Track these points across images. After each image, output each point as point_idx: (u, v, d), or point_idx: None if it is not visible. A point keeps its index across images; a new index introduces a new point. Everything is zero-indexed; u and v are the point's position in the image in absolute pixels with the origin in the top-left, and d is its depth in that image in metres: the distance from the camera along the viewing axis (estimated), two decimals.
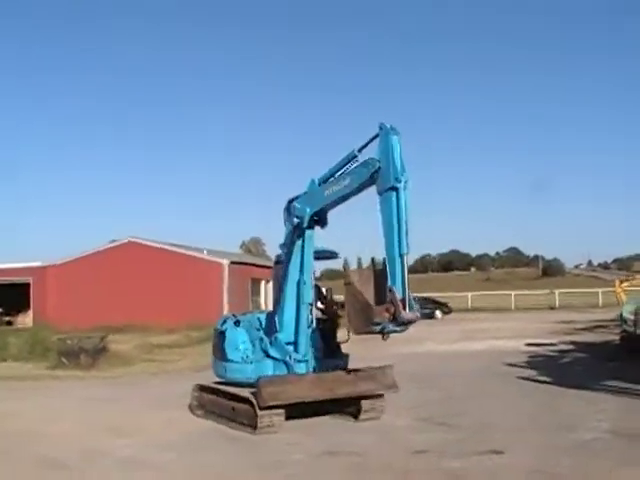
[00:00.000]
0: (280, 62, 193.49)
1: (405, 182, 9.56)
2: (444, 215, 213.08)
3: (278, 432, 10.65)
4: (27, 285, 41.76)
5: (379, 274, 10.11)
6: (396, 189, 9.56)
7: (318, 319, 12.10)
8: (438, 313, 47.38)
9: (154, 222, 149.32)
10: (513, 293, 59.44)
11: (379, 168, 9.79)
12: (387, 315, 9.44)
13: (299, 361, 11.43)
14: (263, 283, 43.12)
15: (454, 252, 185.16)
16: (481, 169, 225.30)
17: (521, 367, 18.14)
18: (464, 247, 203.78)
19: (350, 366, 11.76)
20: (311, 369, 11.47)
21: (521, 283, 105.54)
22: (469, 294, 59.53)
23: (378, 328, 9.68)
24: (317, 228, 11.54)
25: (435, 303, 49.59)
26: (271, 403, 10.53)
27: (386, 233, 9.60)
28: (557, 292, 57.82)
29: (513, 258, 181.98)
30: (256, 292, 43.02)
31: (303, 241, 11.42)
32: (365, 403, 11.45)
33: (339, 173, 10.70)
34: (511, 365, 18.55)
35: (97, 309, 37.78)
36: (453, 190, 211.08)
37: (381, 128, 9.93)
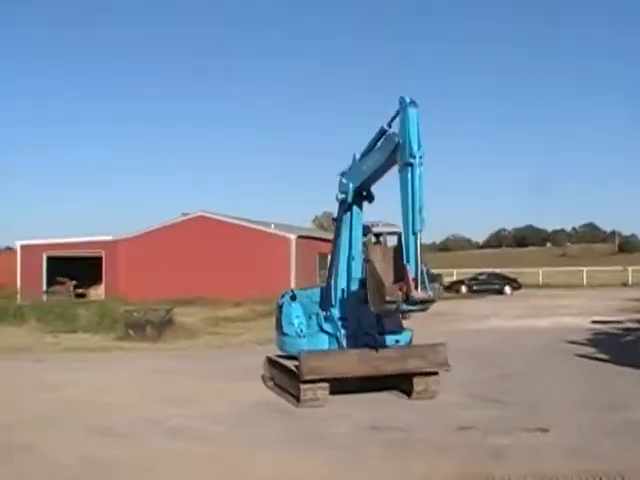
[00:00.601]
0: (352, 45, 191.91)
1: (420, 158, 9.36)
2: (520, 189, 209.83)
3: (325, 406, 10.72)
4: (99, 258, 42.88)
5: (398, 251, 10.05)
6: (411, 165, 9.39)
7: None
8: (507, 289, 46.91)
9: (228, 196, 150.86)
10: (585, 269, 58.28)
11: (398, 143, 9.67)
12: (400, 294, 9.39)
13: (348, 336, 11.43)
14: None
15: (529, 227, 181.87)
16: (560, 144, 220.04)
17: (582, 344, 17.82)
18: (540, 222, 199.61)
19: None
20: (362, 344, 11.33)
21: (596, 259, 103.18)
22: (540, 270, 58.57)
23: (393, 307, 9.64)
24: (365, 203, 11.52)
25: (504, 279, 49.12)
26: (310, 377, 10.58)
27: (402, 210, 9.51)
28: (630, 269, 56.35)
29: (589, 234, 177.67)
30: (324, 266, 42.96)
31: (351, 216, 11.43)
32: (417, 381, 11.22)
33: (376, 148, 10.64)
34: (573, 342, 18.23)
35: (167, 282, 38.61)
36: (529, 164, 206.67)
37: (400, 102, 9.75)
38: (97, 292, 43.36)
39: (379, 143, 10.47)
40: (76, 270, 42.56)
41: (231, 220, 42.03)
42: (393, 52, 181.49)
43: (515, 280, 48.82)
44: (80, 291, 43.74)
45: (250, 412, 10.77)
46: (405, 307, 9.57)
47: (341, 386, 11.03)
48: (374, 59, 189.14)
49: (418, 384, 11.21)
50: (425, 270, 9.44)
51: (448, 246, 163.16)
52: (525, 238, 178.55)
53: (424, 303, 9.47)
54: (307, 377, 10.58)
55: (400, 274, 9.64)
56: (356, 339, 11.38)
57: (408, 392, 11.35)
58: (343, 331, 11.43)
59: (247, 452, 8.43)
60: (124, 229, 46.37)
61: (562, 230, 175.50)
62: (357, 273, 11.48)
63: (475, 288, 47.38)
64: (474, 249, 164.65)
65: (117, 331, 22.67)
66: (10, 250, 46.87)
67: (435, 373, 11.21)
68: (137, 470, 7.73)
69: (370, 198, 11.45)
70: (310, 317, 12.04)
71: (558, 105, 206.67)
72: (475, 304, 37.83)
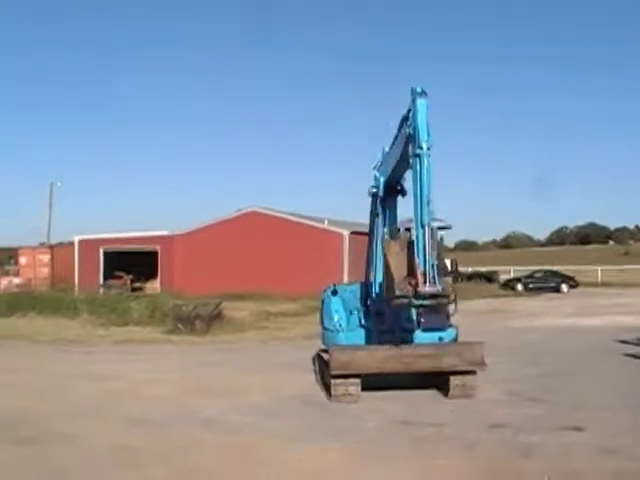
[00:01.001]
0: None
1: (428, 149, 9.23)
2: (582, 186, 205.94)
3: (359, 401, 10.73)
4: (155, 253, 43.49)
5: (411, 245, 9.97)
6: (418, 156, 9.27)
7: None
8: (564, 287, 46.12)
9: (283, 192, 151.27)
10: None
11: (409, 134, 9.58)
12: (410, 288, 9.37)
13: (385, 332, 11.36)
14: None
15: (592, 225, 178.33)
16: (623, 137, 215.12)
17: (634, 344, 17.40)
18: (602, 220, 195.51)
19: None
20: (399, 340, 11.23)
21: None
22: (599, 268, 57.35)
23: (405, 301, 9.60)
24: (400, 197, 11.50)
25: (561, 277, 48.31)
26: (338, 372, 10.63)
27: (414, 203, 9.50)
28: None
29: None
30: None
31: (384, 210, 11.37)
32: (454, 379, 10.92)
33: (397, 139, 10.60)
34: (623, 342, 17.82)
35: (222, 277, 38.91)
36: (591, 160, 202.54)
37: (411, 92, 9.62)
38: (153, 286, 43.98)
39: (398, 134, 10.43)
40: (133, 264, 43.22)
41: (284, 216, 42.20)
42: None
43: (572, 278, 47.93)
44: (137, 285, 44.42)
45: (285, 405, 10.87)
46: (415, 302, 9.50)
47: (378, 382, 11.01)
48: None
49: (455, 383, 10.93)
50: (435, 264, 9.34)
51: (509, 243, 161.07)
52: (588, 236, 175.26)
53: (435, 297, 9.40)
54: (335, 372, 10.61)
55: (412, 268, 9.62)
56: (394, 334, 11.28)
57: (445, 390, 11.16)
58: (380, 326, 11.39)
59: (273, 443, 8.51)
60: (180, 224, 46.67)
61: (625, 228, 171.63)
62: None
63: (531, 286, 46.63)
64: (536, 247, 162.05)
65: (167, 324, 22.96)
66: (69, 245, 47.82)
67: (472, 372, 10.92)
68: (163, 459, 7.86)
69: (402, 192, 11.40)
70: (351, 312, 12.05)
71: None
72: (529, 302, 37.25)
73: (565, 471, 7.13)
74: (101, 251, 43.95)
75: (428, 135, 9.31)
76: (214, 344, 19.81)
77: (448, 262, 64.81)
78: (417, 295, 9.31)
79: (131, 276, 44.08)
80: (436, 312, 11.66)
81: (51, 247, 46.37)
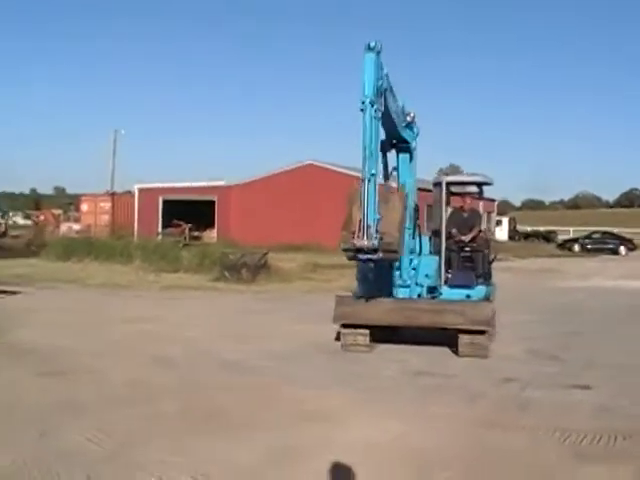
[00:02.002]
0: None
1: (371, 103, 8.93)
2: None
3: (372, 352, 10.98)
4: (213, 203, 44.23)
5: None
6: (362, 110, 9.02)
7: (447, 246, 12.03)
8: (622, 249, 45.47)
9: (341, 145, 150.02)
10: None
11: None
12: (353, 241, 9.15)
13: (400, 286, 11.41)
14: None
15: None
16: None
17: None
18: None
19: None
20: (415, 295, 11.43)
21: None
22: None
23: (350, 254, 9.37)
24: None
25: (619, 239, 47.61)
26: (339, 322, 10.95)
27: None
28: None
29: None
30: (432, 217, 42.77)
31: (383, 158, 11.42)
32: (463, 337, 10.68)
33: None
34: None
35: (276, 228, 39.49)
36: None
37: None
38: (210, 235, 44.86)
39: None
40: (191, 214, 44.09)
41: (340, 169, 42.32)
42: None
43: (631, 241, 47.21)
44: (195, 234, 45.38)
45: (311, 353, 11.11)
46: (359, 256, 9.30)
47: (400, 337, 11.29)
48: None
49: (463, 341, 10.71)
50: (378, 219, 9.04)
51: (577, 204, 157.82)
52: None
53: (365, 251, 9.06)
54: (336, 321, 10.95)
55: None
56: (410, 289, 11.42)
57: (456, 348, 10.96)
58: (397, 280, 11.37)
59: (284, 386, 8.82)
60: (238, 175, 47.27)
61: None
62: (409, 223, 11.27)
63: (589, 247, 46.14)
64: (604, 208, 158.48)
65: (215, 272, 23.52)
66: (129, 193, 48.96)
67: (481, 332, 10.62)
68: (175, 395, 8.26)
69: (395, 147, 11.44)
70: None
71: None
72: (584, 263, 36.88)
73: (553, 426, 7.24)
74: (160, 200, 44.95)
75: (373, 90, 9.00)
76: (257, 293, 20.25)
77: (505, 220, 64.75)
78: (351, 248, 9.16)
79: (190, 225, 44.97)
80: (463, 268, 12.04)
81: (112, 195, 47.55)
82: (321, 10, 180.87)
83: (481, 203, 13.02)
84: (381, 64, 9.28)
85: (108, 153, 56.84)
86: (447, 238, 12.14)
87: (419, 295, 11.47)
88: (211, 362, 10.21)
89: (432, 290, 11.68)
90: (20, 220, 54.73)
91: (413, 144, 11.47)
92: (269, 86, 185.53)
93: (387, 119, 10.04)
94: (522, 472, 5.99)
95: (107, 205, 44.83)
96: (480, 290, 11.75)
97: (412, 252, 11.55)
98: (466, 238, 12.22)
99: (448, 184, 12.46)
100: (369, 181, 8.97)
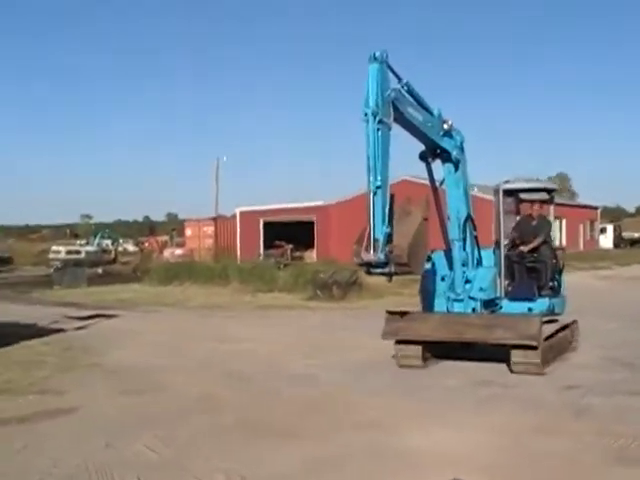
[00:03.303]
0: None
1: (374, 116, 8.76)
2: None
3: (427, 367, 10.94)
4: (312, 223, 44.99)
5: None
6: (366, 121, 8.87)
7: (508, 256, 11.76)
8: None
9: None
10: None
11: None
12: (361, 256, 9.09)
13: (455, 300, 11.18)
14: None
15: None
16: None
17: None
18: None
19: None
20: (469, 309, 11.10)
21: None
22: None
23: (363, 268, 9.42)
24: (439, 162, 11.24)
25: None
26: (388, 338, 10.95)
27: None
28: None
29: None
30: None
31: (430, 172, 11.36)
32: (515, 353, 10.21)
33: None
34: None
35: None
36: None
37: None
38: (311, 255, 45.60)
39: None
40: (291, 234, 44.98)
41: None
42: None
43: None
44: (296, 254, 46.22)
45: (378, 365, 11.33)
46: (371, 270, 9.26)
47: (464, 351, 11.23)
48: None
49: (515, 356, 10.25)
50: (387, 232, 8.88)
51: None
52: None
53: (378, 267, 9.02)
54: (384, 337, 10.99)
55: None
56: (465, 302, 11.16)
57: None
58: (450, 294, 11.24)
59: (344, 396, 9.20)
60: (336, 194, 47.76)
61: None
62: (451, 233, 11.25)
63: None
64: None
65: (308, 291, 24.08)
66: (232, 217, 50.38)
67: (533, 347, 10.07)
68: (238, 407, 8.76)
69: (439, 156, 11.08)
70: (443, 278, 11.65)
71: None
72: None
73: (604, 431, 7.29)
74: (261, 222, 46.04)
75: (376, 102, 8.85)
76: (345, 310, 20.65)
77: (610, 227, 62.85)
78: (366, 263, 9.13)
79: (291, 245, 45.84)
80: (525, 280, 11.77)
81: (215, 219, 49.06)
82: None
83: (551, 210, 12.43)
84: (386, 74, 9.14)
85: (213, 179, 58.82)
86: (511, 248, 11.94)
87: (473, 309, 11.14)
88: (282, 376, 10.66)
89: (491, 304, 11.42)
90: (130, 247, 57.15)
91: (454, 153, 10.99)
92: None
93: (411, 129, 9.99)
94: (557, 473, 6.12)
95: (210, 229, 46.32)
96: (542, 303, 11.42)
97: (465, 264, 11.24)
98: (526, 248, 11.87)
99: (510, 191, 12.24)
100: (375, 194, 8.85)
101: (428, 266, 11.64)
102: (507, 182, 12.18)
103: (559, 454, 6.65)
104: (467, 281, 11.30)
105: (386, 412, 8.36)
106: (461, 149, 11.19)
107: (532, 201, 12.43)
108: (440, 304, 11.39)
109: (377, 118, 8.78)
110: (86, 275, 32.33)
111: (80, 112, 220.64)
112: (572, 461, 6.43)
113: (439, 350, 11.20)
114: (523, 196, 12.51)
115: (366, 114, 8.83)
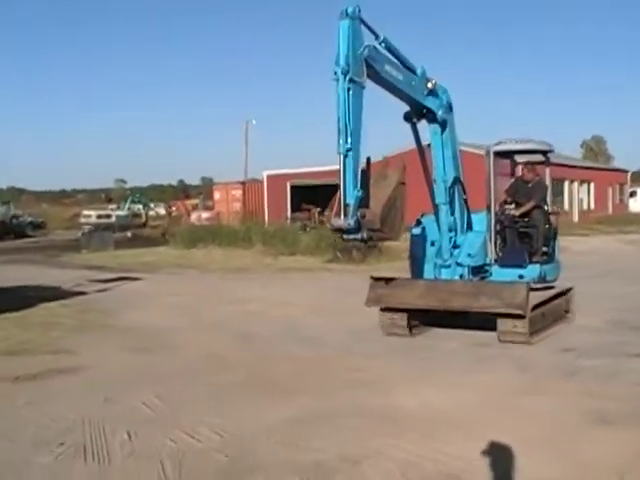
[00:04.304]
0: None
1: (343, 74, 8.31)
2: None
3: (415, 336, 10.75)
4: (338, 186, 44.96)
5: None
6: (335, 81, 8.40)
7: (500, 221, 11.35)
8: None
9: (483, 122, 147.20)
10: None
11: None
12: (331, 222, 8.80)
13: (442, 266, 10.84)
14: (567, 183, 42.29)
15: None
16: None
17: None
18: None
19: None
20: (457, 276, 10.76)
21: None
22: None
23: (338, 235, 9.02)
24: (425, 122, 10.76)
25: None
26: (371, 305, 10.61)
27: None
28: None
29: None
30: (558, 192, 42.06)
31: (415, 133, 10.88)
32: (502, 322, 9.87)
33: None
34: None
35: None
36: None
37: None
38: None
39: None
40: (319, 198, 44.99)
41: (466, 148, 41.99)
42: None
43: None
44: (323, 218, 46.28)
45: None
46: (344, 236, 8.80)
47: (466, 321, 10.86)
48: None
49: (502, 325, 9.92)
50: (358, 196, 8.38)
51: None
52: None
53: (350, 233, 8.57)
54: (368, 304, 10.63)
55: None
56: (452, 269, 10.83)
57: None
58: (437, 260, 10.95)
59: (347, 358, 9.49)
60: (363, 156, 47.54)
61: None
62: (437, 197, 10.81)
63: None
64: None
65: (329, 254, 24.30)
66: (257, 181, 50.63)
67: (520, 316, 9.68)
68: (243, 366, 9.10)
69: (424, 117, 10.62)
70: (432, 243, 11.25)
71: None
72: None
73: (589, 392, 7.49)
74: (288, 185, 46.13)
75: (346, 60, 8.37)
76: (363, 272, 20.65)
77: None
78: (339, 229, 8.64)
79: (318, 209, 45.89)
80: (516, 245, 11.41)
81: (243, 183, 49.26)
82: None
83: (547, 172, 11.92)
84: (358, 31, 8.63)
85: (242, 143, 59.11)
86: (503, 212, 11.53)
87: (461, 276, 10.78)
88: (290, 337, 10.95)
89: (480, 270, 11.09)
90: (162, 211, 57.68)
91: (440, 112, 10.42)
92: None
93: (391, 88, 9.58)
94: (532, 430, 6.32)
95: (238, 193, 46.49)
96: (533, 270, 11.00)
97: (452, 229, 10.86)
98: (517, 212, 11.48)
99: (502, 153, 11.60)
100: (345, 156, 8.36)
101: (417, 230, 11.41)
102: (498, 144, 11.53)
103: (538, 413, 6.86)
104: (456, 246, 10.98)
105: (383, 372, 8.65)
106: (449, 109, 10.71)
107: (529, 163, 11.95)
108: (429, 270, 11.06)
109: (347, 77, 8.32)
110: (113, 239, 32.79)
111: (115, 78, 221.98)
112: (549, 420, 6.63)
113: (427, 318, 10.94)
114: (518, 158, 12.07)
115: (335, 73, 8.37)
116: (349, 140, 8.31)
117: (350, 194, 8.36)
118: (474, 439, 5.99)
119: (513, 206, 11.62)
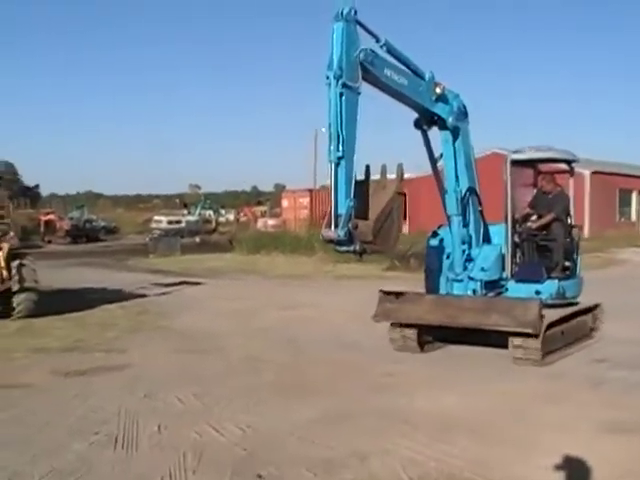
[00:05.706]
0: None
1: (335, 78, 8.01)
2: None
3: (425, 352, 10.54)
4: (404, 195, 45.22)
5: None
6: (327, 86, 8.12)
7: (518, 233, 10.85)
8: None
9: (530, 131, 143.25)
10: None
11: None
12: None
13: (454, 280, 10.48)
14: (634, 194, 41.36)
15: None
16: None
17: None
18: None
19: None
20: (469, 292, 10.35)
21: None
22: None
23: (332, 246, 8.55)
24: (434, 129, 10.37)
25: None
26: (379, 320, 10.36)
27: None
28: None
29: None
30: (626, 203, 41.31)
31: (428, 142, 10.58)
32: (513, 340, 9.44)
33: None
34: None
35: None
36: None
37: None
38: (404, 227, 45.91)
39: None
40: None
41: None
42: None
43: None
44: None
45: None
46: (337, 248, 8.42)
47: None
48: None
49: (513, 343, 9.49)
50: (351, 206, 8.02)
51: None
52: None
53: (342, 244, 8.21)
54: (375, 319, 10.38)
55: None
56: (465, 283, 10.44)
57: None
58: (449, 274, 10.59)
59: (380, 363, 9.81)
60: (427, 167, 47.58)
61: None
62: (448, 208, 10.48)
63: None
64: None
65: (387, 262, 24.57)
66: (325, 188, 51.10)
67: (533, 335, 9.24)
68: (280, 369, 9.50)
69: (435, 124, 10.29)
70: (448, 256, 10.85)
71: None
72: None
73: (612, 403, 7.63)
74: None
75: (339, 64, 8.08)
76: (418, 280, 20.92)
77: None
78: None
79: None
80: (533, 260, 10.86)
81: (310, 190, 49.76)
82: None
83: (571, 183, 11.39)
84: (353, 33, 8.30)
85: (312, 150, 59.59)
86: (522, 224, 11.08)
87: (474, 291, 10.36)
88: (331, 342, 11.36)
89: (495, 285, 10.60)
90: (233, 217, 58.72)
91: (450, 119, 10.01)
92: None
93: (394, 94, 9.26)
94: (543, 435, 6.53)
95: (305, 200, 47.02)
96: (551, 285, 10.40)
97: (466, 242, 10.50)
98: (534, 225, 11.01)
99: (521, 162, 11.08)
100: (337, 165, 8.03)
101: (434, 242, 11.10)
102: (516, 152, 11.01)
103: (552, 420, 7.07)
104: (469, 260, 10.58)
105: (408, 378, 8.97)
106: (461, 115, 10.29)
107: (553, 173, 11.47)
108: (444, 284, 10.68)
109: (340, 82, 8.00)
110: (180, 244, 33.70)
111: (196, 81, 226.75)
112: (564, 427, 6.83)
113: (438, 334, 10.63)
114: (541, 167, 11.57)
115: (328, 77, 8.06)
116: (340, 148, 8.00)
117: (342, 204, 8.01)
118: (481, 442, 6.30)
119: (535, 218, 11.13)
